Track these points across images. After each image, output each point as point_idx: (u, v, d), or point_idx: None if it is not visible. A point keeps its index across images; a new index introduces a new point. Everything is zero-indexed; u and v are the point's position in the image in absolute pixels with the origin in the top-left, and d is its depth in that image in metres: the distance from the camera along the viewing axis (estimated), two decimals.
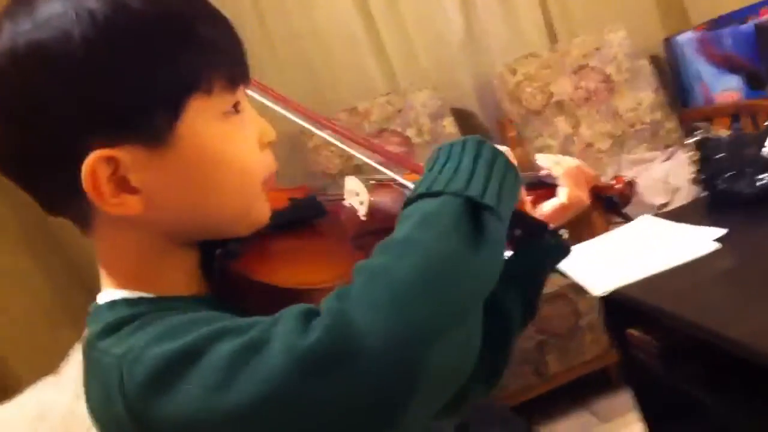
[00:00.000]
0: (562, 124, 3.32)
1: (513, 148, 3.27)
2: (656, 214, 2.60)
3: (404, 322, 0.59)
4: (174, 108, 0.71)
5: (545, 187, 1.04)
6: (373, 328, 0.58)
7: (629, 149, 3.33)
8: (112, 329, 0.70)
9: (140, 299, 0.74)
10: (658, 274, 1.82)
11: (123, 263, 0.76)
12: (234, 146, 0.75)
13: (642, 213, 2.81)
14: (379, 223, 0.93)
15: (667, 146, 3.29)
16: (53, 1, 0.69)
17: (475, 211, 0.69)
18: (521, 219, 0.89)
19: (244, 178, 0.77)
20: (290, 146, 3.11)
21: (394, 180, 0.94)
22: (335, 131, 1.00)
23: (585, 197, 1.03)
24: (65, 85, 0.67)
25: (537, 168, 1.05)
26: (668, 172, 3.01)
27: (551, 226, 0.99)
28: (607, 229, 2.49)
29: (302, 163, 3.09)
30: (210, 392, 0.59)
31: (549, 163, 1.04)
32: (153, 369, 0.62)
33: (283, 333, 0.60)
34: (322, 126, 1.02)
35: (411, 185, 0.90)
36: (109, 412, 0.66)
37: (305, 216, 0.91)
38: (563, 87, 3.34)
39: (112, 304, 0.74)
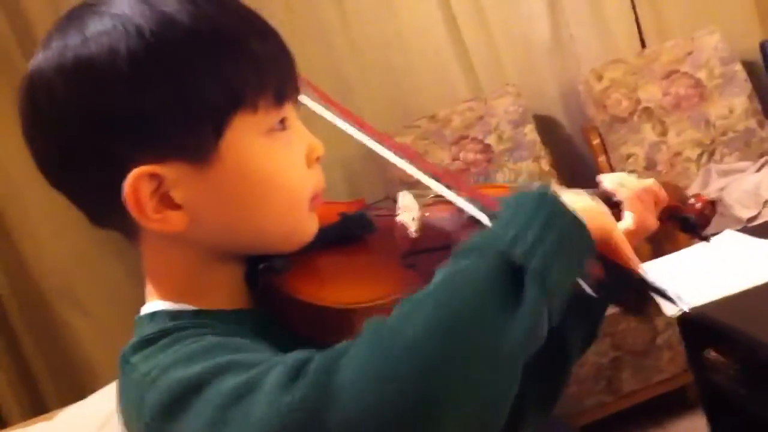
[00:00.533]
0: (648, 132, 3.22)
1: (597, 156, 3.22)
2: (743, 228, 2.50)
3: (387, 397, 0.53)
4: (219, 125, 0.70)
5: (610, 207, 1.00)
6: (353, 397, 0.54)
7: (719, 158, 3.20)
8: (145, 344, 0.70)
9: (181, 312, 0.74)
10: (739, 294, 1.75)
11: (167, 276, 0.77)
12: (279, 164, 0.74)
13: (729, 226, 2.71)
14: (432, 242, 0.90)
15: (761, 156, 3.15)
16: (103, 17, 0.69)
17: (515, 274, 0.61)
18: (629, 280, 0.79)
19: (289, 197, 0.76)
20: (367, 153, 3.11)
21: (448, 199, 0.90)
22: (388, 145, 0.97)
23: (653, 222, 0.97)
24: (110, 99, 0.68)
25: (601, 189, 1.01)
26: (759, 184, 2.88)
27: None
28: (690, 243, 2.40)
29: (380, 169, 3.08)
30: (205, 429, 0.59)
31: (613, 185, 0.98)
32: (164, 396, 0.63)
33: (270, 382, 0.58)
34: (379, 141, 0.98)
35: (470, 209, 0.85)
36: (134, 426, 0.67)
37: (354, 232, 0.88)
38: (651, 93, 3.24)
39: (153, 316, 0.75)
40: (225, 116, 0.70)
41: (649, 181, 0.98)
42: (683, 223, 1.04)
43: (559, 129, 3.44)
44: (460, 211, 0.89)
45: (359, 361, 0.56)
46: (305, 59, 3.55)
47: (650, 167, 3.19)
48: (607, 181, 0.99)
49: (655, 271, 2.01)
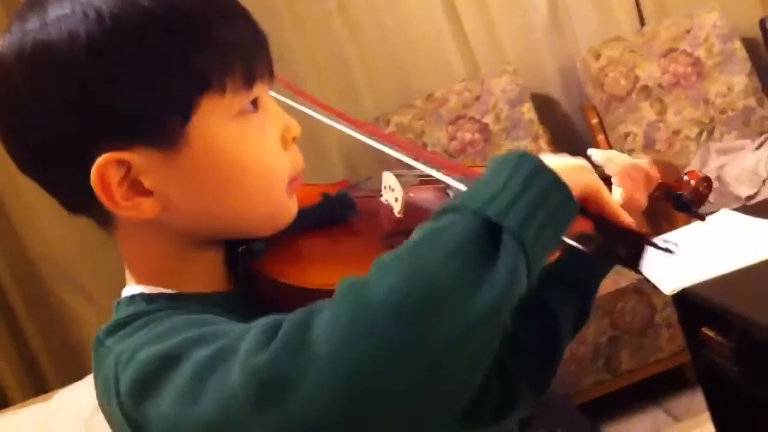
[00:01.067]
0: (647, 111, 3.20)
1: (595, 135, 3.21)
2: (741, 207, 2.49)
3: (359, 350, 0.53)
4: (185, 109, 0.69)
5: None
6: (327, 351, 0.53)
7: (718, 137, 3.19)
8: (119, 326, 0.70)
9: (159, 295, 0.74)
10: (734, 273, 1.75)
11: (144, 260, 0.76)
12: (252, 147, 0.73)
13: (728, 205, 2.71)
14: (416, 222, 0.89)
15: (760, 134, 3.13)
16: (63, 2, 0.68)
17: (492, 234, 0.58)
18: (621, 235, 0.75)
19: (265, 181, 0.74)
20: None
21: (432, 176, 0.89)
22: (365, 131, 0.96)
23: (642, 199, 0.94)
24: (71, 85, 0.67)
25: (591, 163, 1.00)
26: (758, 162, 2.87)
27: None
28: (688, 222, 2.39)
29: (377, 150, 3.07)
30: (183, 400, 0.59)
31: (602, 159, 0.97)
32: (139, 372, 0.63)
33: (245, 345, 0.58)
34: (361, 131, 0.97)
35: (453, 183, 0.84)
36: (109, 407, 0.67)
37: (336, 213, 0.87)
38: (650, 71, 3.23)
39: (132, 299, 0.74)
40: (191, 100, 0.69)
41: (641, 160, 0.97)
42: (676, 200, 1.02)
43: (557, 108, 3.42)
44: (445, 190, 0.88)
45: (333, 316, 0.55)
46: (304, 41, 3.54)
47: (649, 146, 3.18)
48: (597, 155, 0.97)
49: (652, 250, 2.01)
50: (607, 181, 0.95)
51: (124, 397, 0.64)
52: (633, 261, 0.71)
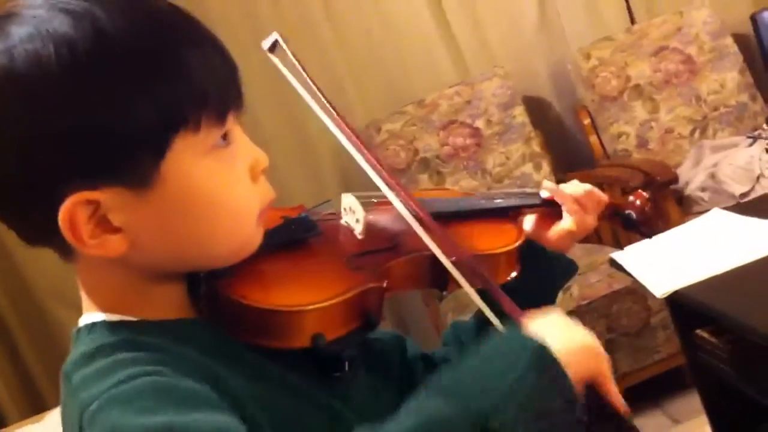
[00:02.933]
0: (639, 110, 3.19)
1: (588, 136, 3.20)
2: (735, 206, 2.47)
3: None
4: (158, 148, 0.67)
5: (549, 207, 1.04)
6: None
7: (712, 134, 3.18)
8: (87, 359, 0.68)
9: (121, 323, 0.72)
10: (727, 273, 1.73)
11: (105, 291, 0.74)
12: (224, 183, 0.71)
13: (722, 203, 2.69)
14: (378, 243, 0.89)
15: (753, 130, 3.12)
16: (24, 25, 0.65)
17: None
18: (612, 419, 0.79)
19: (236, 217, 0.73)
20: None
21: (395, 204, 0.89)
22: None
23: (591, 222, 1.03)
24: (36, 121, 0.64)
25: (541, 197, 1.05)
26: (752, 159, 2.85)
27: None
28: (683, 221, 2.38)
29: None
30: None
31: (552, 191, 1.03)
32: None
33: None
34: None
35: (406, 213, 0.85)
36: None
37: (298, 235, 0.87)
38: (641, 70, 3.21)
39: (92, 327, 0.72)
40: (165, 139, 0.67)
41: (587, 185, 1.02)
42: (625, 220, 1.08)
43: (549, 110, 3.41)
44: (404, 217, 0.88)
45: None
46: (291, 49, 3.49)
47: (642, 145, 3.17)
48: (546, 186, 1.03)
49: (643, 251, 2.00)
50: (558, 207, 0.99)
51: None
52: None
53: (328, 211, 0.96)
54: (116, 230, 0.68)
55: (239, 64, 0.74)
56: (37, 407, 2.91)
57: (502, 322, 0.82)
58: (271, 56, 0.86)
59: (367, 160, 0.89)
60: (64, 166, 0.65)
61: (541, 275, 0.98)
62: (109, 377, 0.65)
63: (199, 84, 0.68)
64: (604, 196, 1.03)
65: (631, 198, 1.09)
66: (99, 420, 0.62)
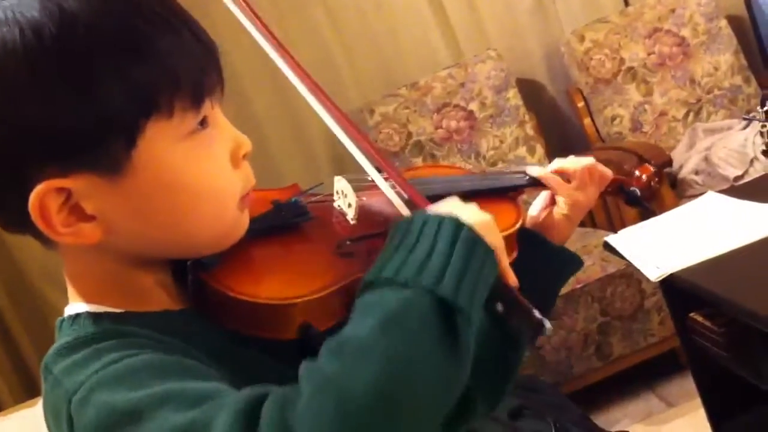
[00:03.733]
0: (633, 93, 3.18)
1: (581, 119, 3.19)
2: (729, 189, 2.47)
3: None
4: (129, 134, 0.66)
5: (542, 187, 1.00)
6: None
7: (706, 117, 3.17)
8: (67, 350, 0.67)
9: (105, 314, 0.71)
10: (721, 257, 1.73)
11: (88, 279, 0.73)
12: (201, 169, 0.70)
13: (716, 186, 2.69)
14: (370, 228, 0.87)
15: (747, 112, 3.11)
16: None
17: (445, 312, 0.61)
18: (507, 298, 0.77)
19: (216, 204, 0.72)
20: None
21: (382, 188, 0.86)
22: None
23: (586, 200, 0.99)
24: (5, 105, 0.63)
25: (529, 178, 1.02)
26: (746, 142, 2.84)
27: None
28: (677, 205, 2.37)
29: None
30: None
31: (540, 173, 1.01)
32: (99, 419, 0.61)
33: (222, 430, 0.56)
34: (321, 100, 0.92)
35: (397, 201, 0.83)
36: None
37: (288, 220, 0.85)
38: (635, 52, 3.20)
39: (75, 318, 0.71)
40: (136, 123, 0.65)
41: (587, 160, 0.98)
42: (628, 196, 1.04)
43: (543, 93, 3.40)
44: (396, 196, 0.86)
45: (313, 420, 0.54)
46: (285, 32, 3.49)
47: (636, 128, 3.16)
48: (534, 171, 1.01)
49: (637, 234, 1.99)
50: (543, 187, 0.96)
51: None
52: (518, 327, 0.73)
53: (321, 193, 0.94)
54: (90, 218, 0.67)
55: (229, 47, 0.73)
56: (30, 392, 2.90)
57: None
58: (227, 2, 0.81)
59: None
60: (30, 154, 0.64)
61: (542, 268, 0.96)
62: (93, 363, 0.64)
63: (171, 69, 0.66)
64: (607, 171, 1.00)
65: (636, 173, 1.06)
66: (90, 403, 0.61)
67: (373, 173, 0.83)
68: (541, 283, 0.96)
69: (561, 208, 0.98)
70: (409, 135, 3.10)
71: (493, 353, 0.86)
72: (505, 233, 0.90)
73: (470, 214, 0.69)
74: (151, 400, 0.59)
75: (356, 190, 0.89)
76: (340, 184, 0.90)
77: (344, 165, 3.08)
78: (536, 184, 1.02)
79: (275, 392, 0.57)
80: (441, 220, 0.66)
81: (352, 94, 3.23)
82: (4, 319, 3.02)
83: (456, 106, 3.15)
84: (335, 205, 0.91)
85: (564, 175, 0.99)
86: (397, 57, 3.30)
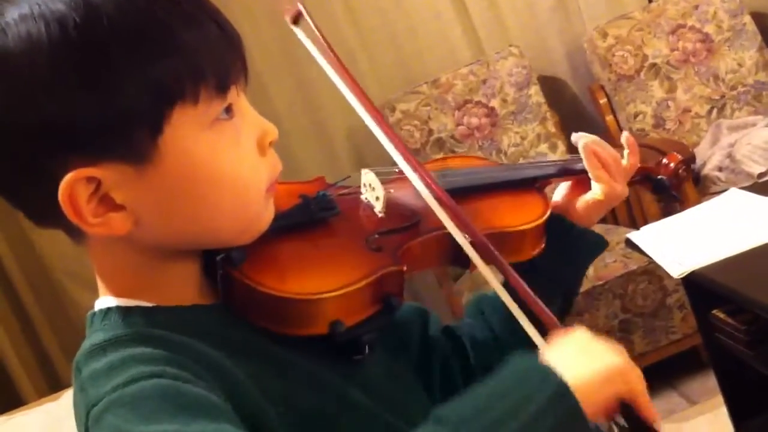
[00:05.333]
0: (656, 89, 3.16)
1: (604, 116, 3.17)
2: (752, 185, 2.45)
3: None
4: (155, 123, 0.66)
5: (578, 174, 0.98)
6: None
7: (729, 114, 3.14)
8: (97, 351, 0.68)
9: (135, 308, 0.71)
10: (744, 254, 1.72)
11: (118, 273, 0.73)
12: (227, 157, 0.70)
13: (740, 182, 2.66)
14: (398, 221, 0.86)
15: None
16: (21, 5, 0.65)
17: None
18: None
19: (242, 192, 0.72)
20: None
21: (413, 180, 0.86)
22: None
23: (621, 190, 0.96)
24: (28, 99, 0.64)
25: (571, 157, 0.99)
26: None
27: None
28: (700, 202, 2.35)
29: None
30: None
31: (584, 151, 0.97)
32: None
33: None
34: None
35: (425, 193, 0.83)
36: None
37: (315, 215, 0.84)
38: (658, 49, 3.18)
39: (107, 313, 0.72)
40: (160, 113, 0.66)
41: (614, 152, 0.96)
42: (656, 184, 1.02)
43: (565, 89, 3.38)
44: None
45: None
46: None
47: (659, 125, 3.14)
48: (581, 141, 0.97)
49: (659, 231, 1.98)
50: (585, 174, 0.94)
51: None
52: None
53: (348, 187, 0.93)
54: (119, 208, 0.68)
55: (252, 40, 0.73)
56: (53, 386, 2.93)
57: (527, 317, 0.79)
58: (295, 28, 0.83)
59: (387, 135, 0.87)
60: (59, 144, 0.65)
61: (568, 252, 0.94)
62: (116, 376, 0.64)
63: (194, 59, 0.67)
64: (636, 162, 0.98)
65: (664, 161, 1.03)
66: (104, 421, 0.62)
67: (404, 165, 0.83)
68: (567, 267, 0.96)
69: (597, 192, 0.95)
70: (430, 132, 3.10)
71: None
72: (532, 225, 0.90)
73: (583, 367, 0.68)
74: None
75: (383, 182, 0.89)
76: (368, 176, 0.90)
77: (364, 160, 3.09)
78: (564, 174, 1.00)
79: None
80: (544, 380, 0.66)
81: (372, 90, 3.23)
82: (28, 314, 3.05)
83: (477, 103, 3.14)
84: (362, 198, 0.90)
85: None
86: (417, 54, 3.30)
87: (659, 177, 1.03)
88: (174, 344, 0.68)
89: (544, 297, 0.83)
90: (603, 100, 3.21)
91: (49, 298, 3.05)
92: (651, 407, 0.73)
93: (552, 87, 3.34)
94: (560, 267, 0.93)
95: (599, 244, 0.99)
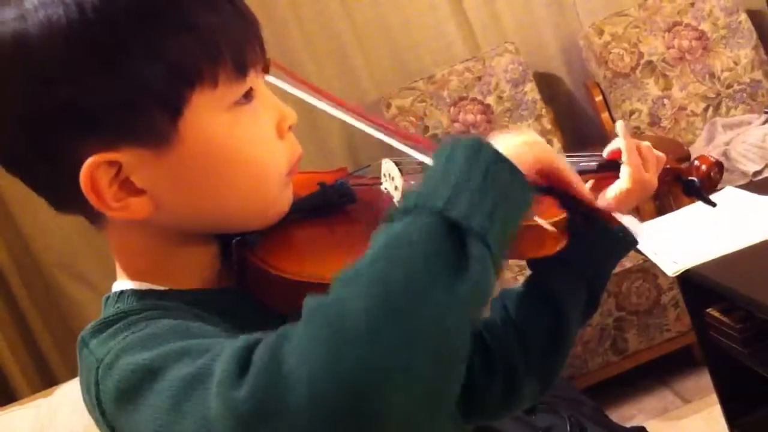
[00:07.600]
0: (652, 87, 3.16)
1: (599, 113, 3.17)
2: (748, 184, 2.45)
3: (340, 368, 0.50)
4: (174, 105, 0.66)
5: (607, 171, 0.96)
6: (302, 379, 0.50)
7: (725, 112, 3.14)
8: (102, 327, 0.68)
9: (149, 291, 0.72)
10: (739, 252, 1.72)
11: (134, 256, 0.74)
12: (247, 140, 0.70)
13: (735, 181, 2.67)
14: None
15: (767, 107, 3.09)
16: None
17: (456, 233, 0.57)
18: (583, 211, 0.76)
19: (261, 175, 0.72)
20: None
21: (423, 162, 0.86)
22: (365, 120, 0.92)
23: (651, 182, 0.91)
24: (48, 84, 0.64)
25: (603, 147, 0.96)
26: (765, 137, 2.82)
27: (617, 215, 0.89)
28: (692, 201, 2.35)
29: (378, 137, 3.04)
30: (163, 416, 0.58)
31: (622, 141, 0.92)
32: (120, 381, 0.62)
33: (219, 372, 0.55)
34: (356, 117, 0.93)
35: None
36: (91, 408, 0.66)
37: (333, 202, 0.84)
38: (654, 46, 3.18)
39: (120, 296, 0.72)
40: (179, 96, 0.66)
41: (644, 142, 0.94)
42: (687, 186, 0.99)
43: (561, 86, 3.38)
44: None
45: (305, 346, 0.52)
46: (301, 25, 3.51)
47: (654, 123, 3.14)
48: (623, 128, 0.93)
49: (655, 229, 1.98)
50: (614, 165, 0.92)
51: (105, 404, 0.63)
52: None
53: (368, 176, 0.94)
54: (140, 192, 0.68)
55: None
56: (47, 381, 2.92)
57: None
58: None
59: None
60: (79, 127, 0.65)
61: (593, 248, 0.92)
62: (122, 333, 0.65)
63: (211, 37, 0.67)
64: (662, 155, 0.94)
65: (696, 162, 0.99)
66: (115, 368, 0.62)
67: (421, 156, 0.82)
68: (594, 263, 0.93)
69: (625, 182, 0.89)
70: (426, 128, 3.10)
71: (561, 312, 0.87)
72: (555, 219, 0.88)
73: (503, 140, 0.68)
74: (166, 355, 0.60)
75: (403, 173, 0.89)
76: (387, 166, 0.90)
77: (359, 157, 3.09)
78: (605, 169, 0.95)
79: (275, 331, 0.56)
80: (457, 142, 0.63)
81: (366, 85, 3.23)
82: (20, 308, 3.04)
83: (473, 99, 3.14)
84: (382, 187, 0.91)
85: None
86: (412, 49, 3.29)
87: (690, 179, 1.00)
88: (187, 315, 0.68)
89: (569, 288, 0.85)
90: (598, 98, 3.21)
91: (41, 291, 3.04)
92: (580, 183, 0.73)
93: (547, 84, 3.34)
94: (587, 263, 0.92)
95: (628, 238, 0.94)
